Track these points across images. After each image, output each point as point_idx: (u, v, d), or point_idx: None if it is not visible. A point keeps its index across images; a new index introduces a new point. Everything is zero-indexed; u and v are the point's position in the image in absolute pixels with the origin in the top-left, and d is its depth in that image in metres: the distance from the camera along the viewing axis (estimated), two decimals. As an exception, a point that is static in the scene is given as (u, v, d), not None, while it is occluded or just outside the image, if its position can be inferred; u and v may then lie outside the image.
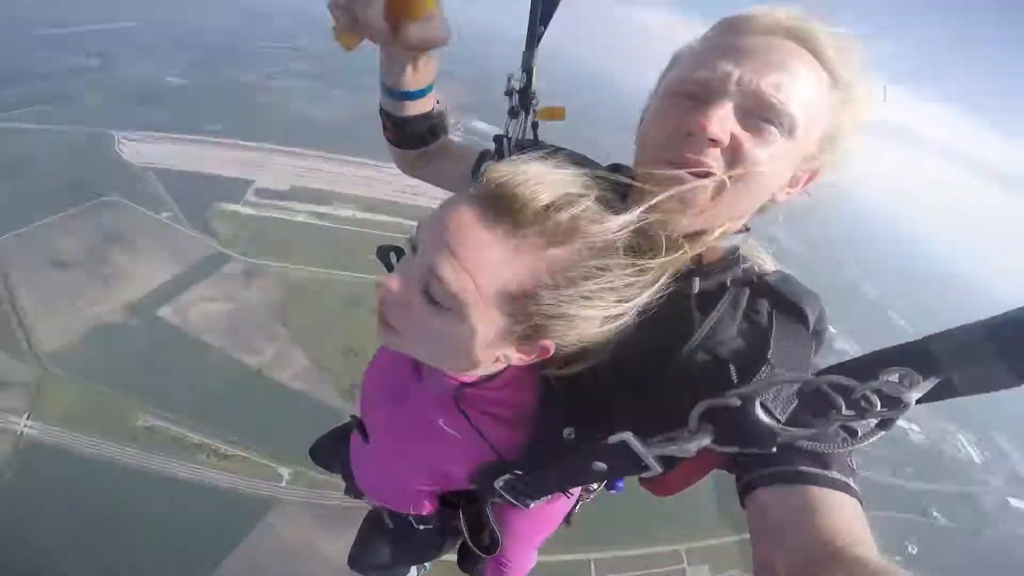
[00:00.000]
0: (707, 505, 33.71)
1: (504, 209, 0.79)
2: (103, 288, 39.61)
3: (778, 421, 0.78)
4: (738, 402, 0.78)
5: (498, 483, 1.06)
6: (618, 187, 0.89)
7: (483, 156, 1.38)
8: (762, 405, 0.78)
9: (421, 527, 1.58)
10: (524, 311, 0.85)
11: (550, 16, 1.47)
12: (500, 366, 1.00)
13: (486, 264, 0.80)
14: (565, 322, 0.86)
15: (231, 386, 34.75)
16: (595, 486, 1.56)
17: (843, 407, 0.73)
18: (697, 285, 0.97)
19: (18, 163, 53.70)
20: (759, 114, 0.85)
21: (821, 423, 0.76)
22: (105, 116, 68.58)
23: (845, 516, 0.78)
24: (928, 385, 0.71)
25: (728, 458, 0.89)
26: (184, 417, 32.27)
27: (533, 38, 1.49)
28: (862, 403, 0.72)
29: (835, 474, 0.81)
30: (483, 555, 1.35)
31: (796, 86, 0.85)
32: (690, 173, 0.86)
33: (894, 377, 0.71)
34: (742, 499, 0.92)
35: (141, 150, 59.80)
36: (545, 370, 1.04)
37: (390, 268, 1.11)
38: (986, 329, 0.69)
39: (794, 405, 0.81)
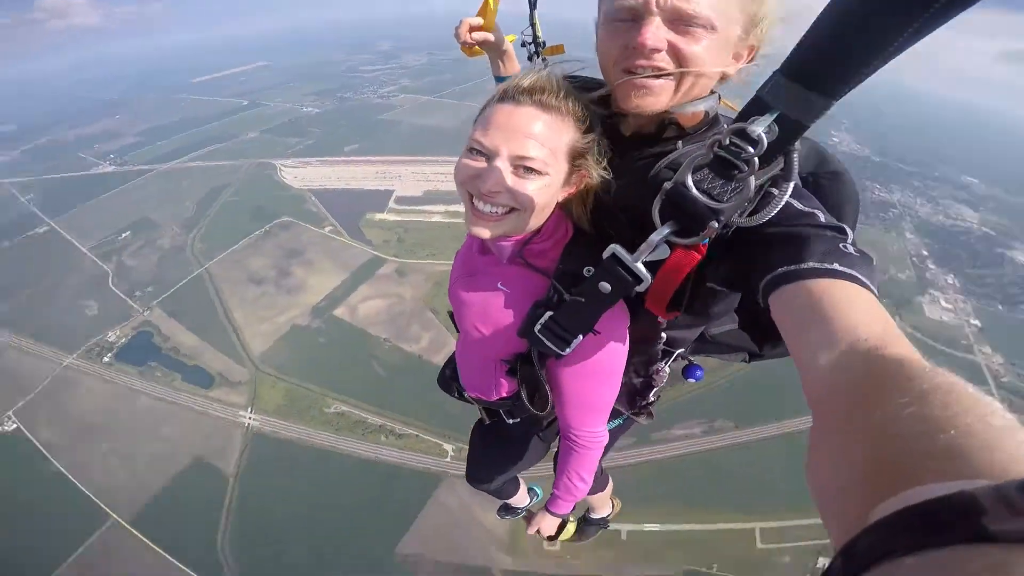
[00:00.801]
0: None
1: (541, 100, 1.24)
2: (290, 297, 47.71)
3: (711, 197, 1.02)
4: (671, 184, 1.06)
5: (537, 327, 1.29)
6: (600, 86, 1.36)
7: None
8: (697, 187, 1.03)
9: (511, 421, 1.84)
10: (573, 156, 1.28)
11: None
12: (551, 211, 1.37)
13: (549, 135, 1.23)
14: (588, 159, 1.30)
15: (397, 372, 39.80)
16: (664, 366, 1.72)
17: (739, 164, 0.97)
18: (681, 144, 1.30)
19: (208, 197, 66.02)
20: (683, 21, 1.13)
21: (738, 189, 1.00)
22: (264, 148, 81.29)
23: (846, 297, 0.82)
24: (767, 119, 0.92)
25: (722, 271, 1.15)
26: (364, 403, 37.73)
27: (532, 4, 2.03)
28: (735, 149, 0.97)
29: (813, 263, 0.89)
30: (539, 413, 1.53)
31: None
32: (647, 76, 1.18)
33: (743, 123, 0.95)
34: (765, 337, 1.26)
35: (299, 175, 70.10)
36: (574, 214, 1.42)
37: None
38: (782, 66, 0.90)
39: (720, 184, 1.02)
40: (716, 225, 1.02)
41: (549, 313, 1.28)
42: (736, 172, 0.99)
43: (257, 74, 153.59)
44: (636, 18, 1.16)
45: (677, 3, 1.11)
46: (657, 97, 1.21)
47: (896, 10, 0.71)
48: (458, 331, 1.72)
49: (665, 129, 1.32)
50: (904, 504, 0.36)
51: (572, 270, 1.30)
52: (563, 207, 1.41)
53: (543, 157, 1.22)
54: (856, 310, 0.80)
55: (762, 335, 1.46)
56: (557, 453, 1.92)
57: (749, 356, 1.79)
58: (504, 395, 1.67)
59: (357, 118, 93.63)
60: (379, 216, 58.43)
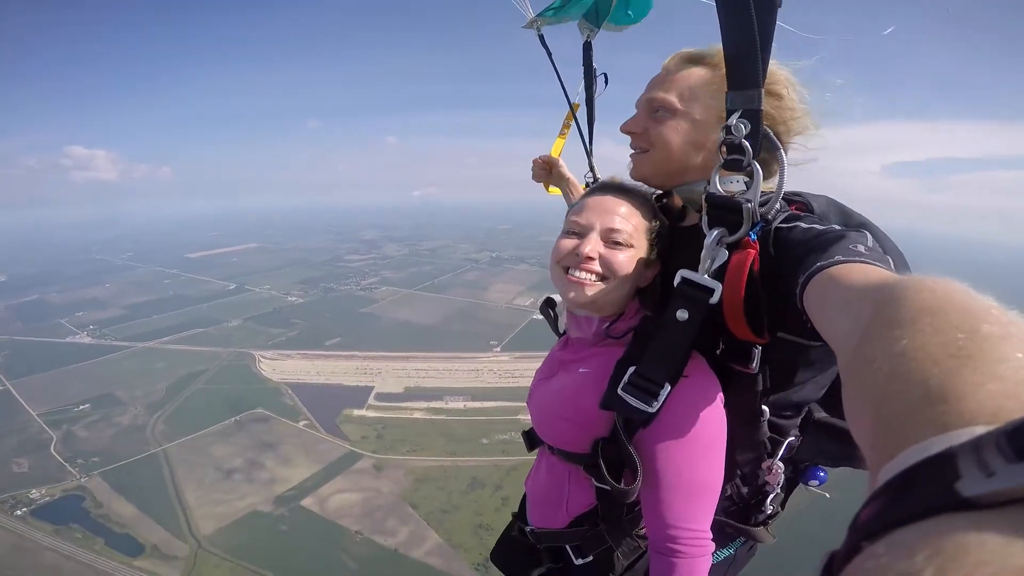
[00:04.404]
0: None
1: (625, 191, 1.61)
2: (254, 485, 48.16)
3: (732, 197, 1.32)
4: (706, 193, 1.37)
5: (621, 388, 1.33)
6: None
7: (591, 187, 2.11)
8: (718, 188, 1.38)
9: (579, 561, 1.66)
10: (650, 233, 1.57)
11: (592, 141, 2.64)
12: (633, 288, 1.57)
13: (631, 214, 1.54)
14: (660, 236, 1.60)
15: (370, 565, 39.00)
16: (776, 463, 1.60)
17: (741, 152, 1.31)
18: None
19: (181, 382, 68.94)
20: (653, 108, 1.57)
21: (751, 174, 1.32)
22: (246, 337, 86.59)
23: (862, 270, 0.92)
24: (736, 115, 1.30)
25: (765, 277, 1.27)
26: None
27: (590, 154, 2.62)
28: (733, 143, 1.32)
29: (839, 256, 1.01)
30: (626, 490, 1.37)
31: (673, 83, 1.55)
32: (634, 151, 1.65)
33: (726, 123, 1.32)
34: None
35: (277, 367, 74.13)
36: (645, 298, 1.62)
37: (549, 317, 1.95)
38: (728, 85, 1.34)
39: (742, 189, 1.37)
40: (750, 205, 1.28)
41: (633, 368, 1.33)
42: (744, 161, 1.32)
43: (248, 255, 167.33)
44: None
45: (651, 93, 1.58)
46: (640, 168, 1.64)
47: (737, 22, 1.23)
48: (531, 447, 1.83)
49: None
50: (896, 470, 0.36)
51: (651, 326, 1.43)
52: (641, 298, 1.61)
53: (628, 230, 1.52)
54: (862, 273, 0.90)
55: None
56: None
57: None
58: (577, 513, 1.60)
59: (340, 311, 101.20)
60: (358, 412, 60.92)
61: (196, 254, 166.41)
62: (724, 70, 1.37)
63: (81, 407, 61.61)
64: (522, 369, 67.91)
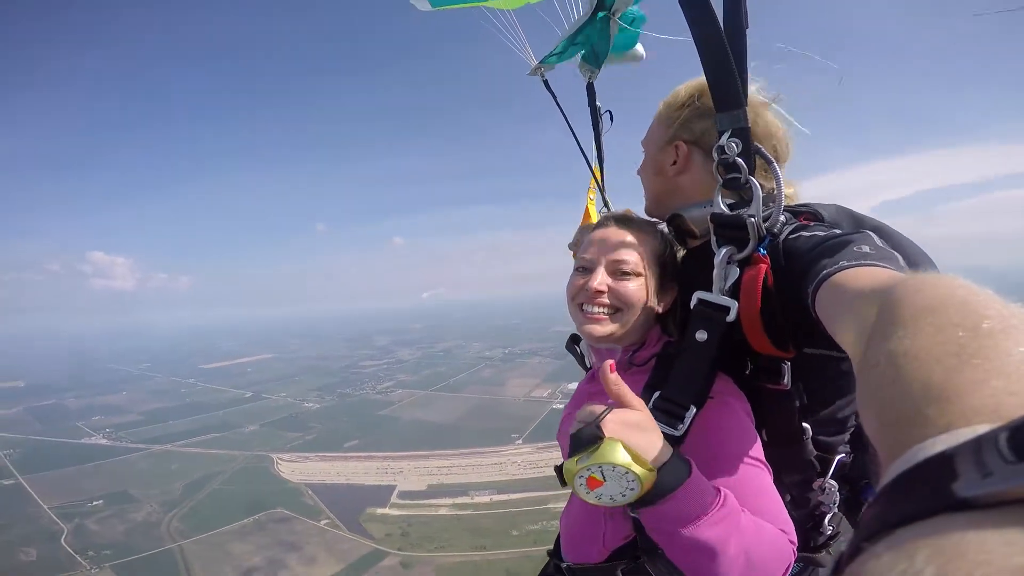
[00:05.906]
0: None
1: (627, 221, 1.64)
2: None
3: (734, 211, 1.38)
4: (711, 214, 1.42)
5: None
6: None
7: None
8: (721, 208, 1.43)
9: None
10: (659, 259, 1.59)
11: (603, 178, 2.74)
12: (651, 317, 1.58)
13: (637, 244, 1.56)
14: (669, 271, 1.62)
15: None
16: (828, 482, 1.54)
17: (736, 170, 1.39)
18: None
19: (198, 482, 68.61)
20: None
21: (749, 191, 1.38)
22: (263, 441, 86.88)
23: (867, 273, 0.92)
24: (726, 135, 1.40)
25: (775, 287, 1.28)
26: None
27: (603, 190, 2.71)
28: (728, 163, 1.41)
29: (844, 262, 1.00)
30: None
31: (650, 127, 1.77)
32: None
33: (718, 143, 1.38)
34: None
35: (297, 468, 73.89)
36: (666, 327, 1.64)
37: (575, 353, 1.90)
38: (715, 108, 1.44)
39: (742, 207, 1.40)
40: (753, 220, 1.32)
41: (657, 392, 1.33)
42: (740, 178, 1.39)
43: (263, 365, 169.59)
44: None
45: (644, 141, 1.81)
46: (645, 204, 1.82)
47: (711, 48, 1.33)
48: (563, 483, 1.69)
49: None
50: (897, 471, 0.36)
51: (673, 350, 1.45)
52: (662, 325, 1.63)
53: (634, 260, 1.54)
54: (867, 276, 0.90)
55: None
56: None
57: None
58: (615, 546, 1.50)
59: (357, 414, 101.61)
60: (381, 510, 59.97)
61: (212, 364, 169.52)
62: (671, 101, 1.72)
63: (94, 503, 61.49)
64: (546, 459, 67.00)
